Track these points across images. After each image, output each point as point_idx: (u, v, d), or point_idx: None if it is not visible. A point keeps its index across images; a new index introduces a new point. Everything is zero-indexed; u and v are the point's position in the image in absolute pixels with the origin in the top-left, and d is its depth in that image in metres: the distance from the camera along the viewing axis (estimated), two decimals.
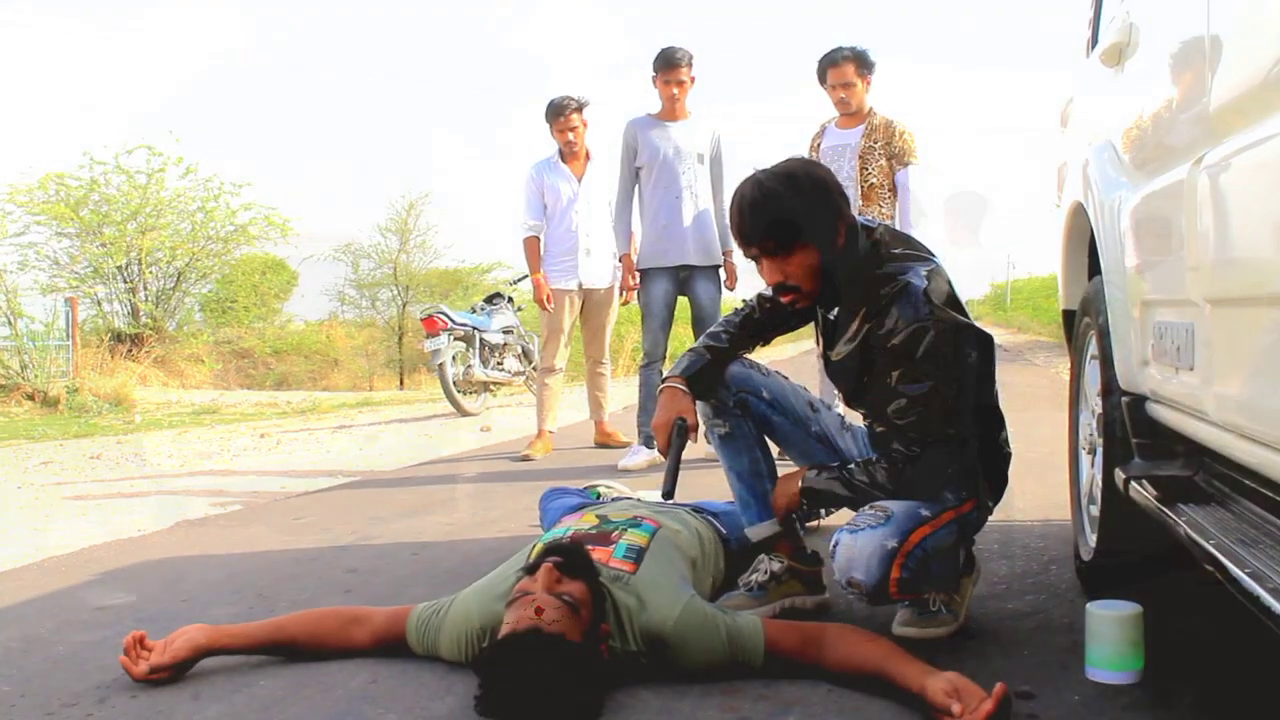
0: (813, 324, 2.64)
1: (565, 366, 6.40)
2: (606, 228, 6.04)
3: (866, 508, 2.39)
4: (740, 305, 2.76)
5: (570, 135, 6.03)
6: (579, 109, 6.03)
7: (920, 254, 2.44)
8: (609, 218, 6.02)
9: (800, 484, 2.50)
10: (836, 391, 2.76)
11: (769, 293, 2.66)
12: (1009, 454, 2.57)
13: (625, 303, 6.18)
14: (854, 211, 4.97)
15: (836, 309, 2.48)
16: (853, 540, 2.35)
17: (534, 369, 10.20)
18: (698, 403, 2.67)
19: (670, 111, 5.57)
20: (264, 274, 20.17)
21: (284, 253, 20.52)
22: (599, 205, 6.12)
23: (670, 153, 5.48)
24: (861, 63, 5.12)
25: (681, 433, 2.56)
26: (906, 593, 2.36)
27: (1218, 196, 1.76)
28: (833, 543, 2.40)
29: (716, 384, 2.65)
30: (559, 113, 6.00)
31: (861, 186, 5.12)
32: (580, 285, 6.19)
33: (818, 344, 2.65)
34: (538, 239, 6.19)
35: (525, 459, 6.08)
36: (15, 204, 16.16)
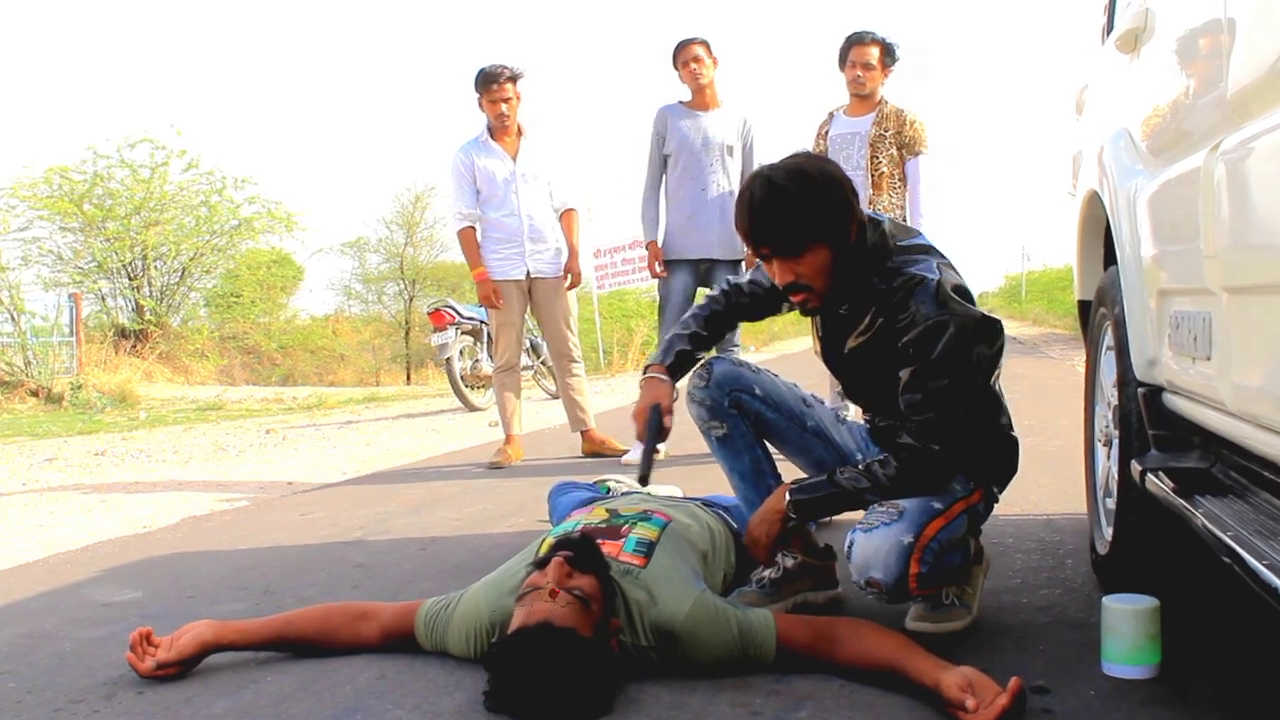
0: (810, 320, 2.61)
1: (520, 363, 5.95)
2: (549, 210, 5.76)
3: (876, 505, 2.36)
4: (714, 293, 2.74)
5: (503, 106, 5.55)
6: (513, 79, 5.58)
7: (927, 247, 2.41)
8: (550, 200, 5.76)
9: (786, 499, 2.42)
10: (839, 386, 2.74)
11: (741, 282, 2.67)
12: (1015, 438, 2.55)
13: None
14: (864, 201, 4.99)
15: (845, 305, 2.43)
16: (868, 539, 2.31)
17: (543, 363, 10.19)
18: (693, 406, 2.66)
19: (701, 100, 5.45)
20: (269, 268, 20.18)
21: (290, 247, 20.60)
22: (539, 185, 5.71)
23: (698, 143, 5.39)
24: (887, 51, 5.15)
25: (656, 415, 2.56)
26: (925, 588, 2.33)
27: (1235, 183, 1.74)
28: (847, 543, 2.37)
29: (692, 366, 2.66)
30: (491, 80, 5.54)
31: (872, 175, 5.11)
32: (528, 274, 5.70)
33: (815, 340, 2.62)
34: (474, 230, 5.71)
35: (495, 466, 5.66)
36: (18, 198, 16.18)
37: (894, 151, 5.11)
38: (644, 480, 2.57)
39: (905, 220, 5.11)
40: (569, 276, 5.80)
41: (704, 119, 5.44)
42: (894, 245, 2.38)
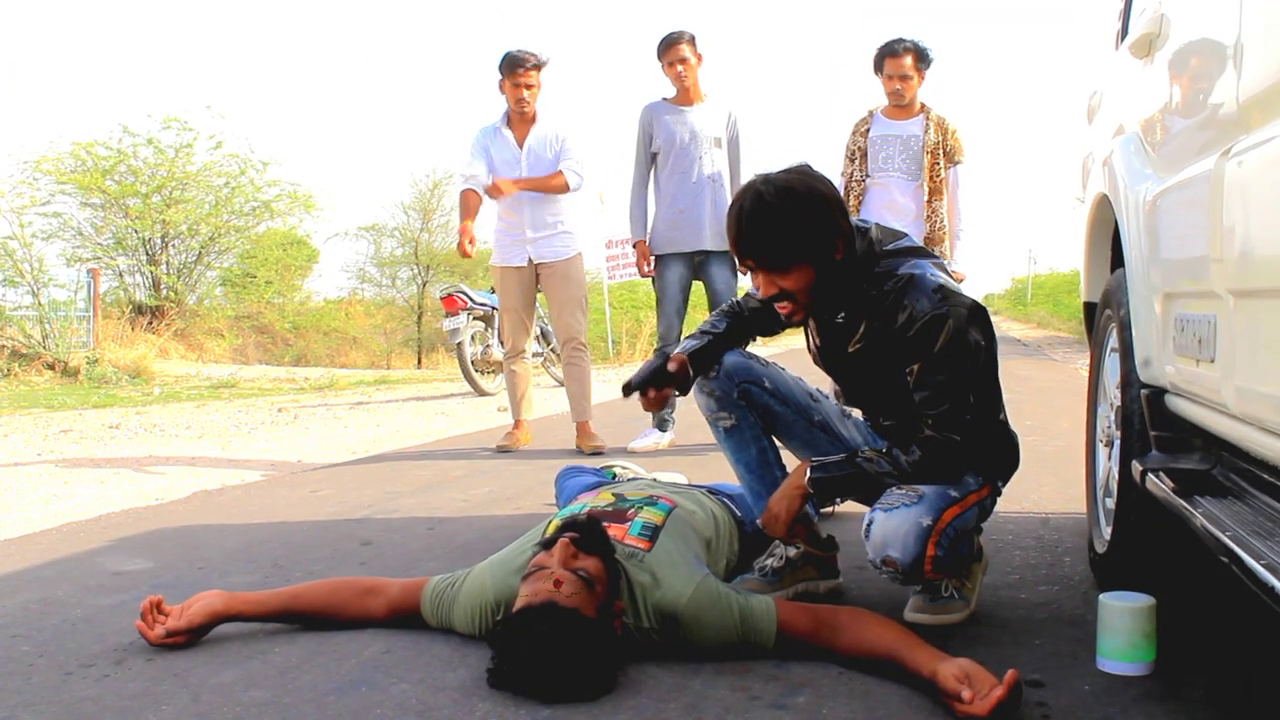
0: (803, 327, 2.63)
1: (528, 349, 5.90)
2: (554, 197, 5.63)
3: (897, 488, 2.38)
4: (724, 307, 2.78)
5: (524, 92, 5.49)
6: (537, 66, 5.53)
7: (916, 248, 2.44)
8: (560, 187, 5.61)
9: (806, 477, 2.43)
10: (836, 388, 2.76)
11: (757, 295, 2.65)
12: (1014, 434, 2.57)
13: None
14: (923, 207, 5.01)
15: (841, 314, 2.46)
16: (887, 518, 2.34)
17: (552, 350, 10.22)
18: (702, 397, 2.68)
19: (685, 95, 5.46)
20: (286, 249, 20.26)
21: (308, 228, 20.70)
22: (545, 172, 5.57)
23: (686, 137, 5.40)
24: (920, 57, 5.12)
25: (663, 356, 2.64)
26: (940, 572, 2.36)
27: (1245, 188, 1.75)
28: (866, 522, 2.38)
29: (713, 363, 2.67)
30: (516, 65, 5.48)
31: (931, 181, 5.14)
32: (530, 260, 5.66)
33: (809, 346, 2.64)
34: (474, 192, 5.63)
35: (503, 450, 5.71)
36: (42, 172, 16.28)
37: (941, 160, 5.15)
38: (628, 390, 2.68)
39: (945, 227, 5.16)
40: (493, 182, 5.50)
41: (690, 114, 5.44)
42: (881, 250, 2.40)
